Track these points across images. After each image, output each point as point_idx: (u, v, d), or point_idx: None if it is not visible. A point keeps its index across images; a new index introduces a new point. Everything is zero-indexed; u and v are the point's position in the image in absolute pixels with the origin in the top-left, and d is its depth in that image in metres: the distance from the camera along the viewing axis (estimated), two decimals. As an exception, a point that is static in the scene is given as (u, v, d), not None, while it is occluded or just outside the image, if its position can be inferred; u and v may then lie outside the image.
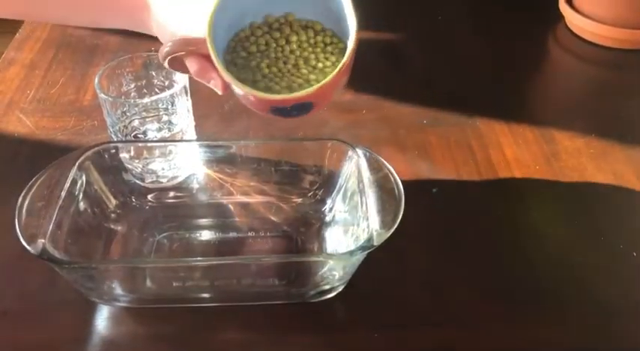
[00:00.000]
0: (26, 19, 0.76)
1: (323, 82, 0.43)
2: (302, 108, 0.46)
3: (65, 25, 0.75)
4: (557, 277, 0.50)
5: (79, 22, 0.58)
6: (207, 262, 0.46)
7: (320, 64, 0.45)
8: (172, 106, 0.54)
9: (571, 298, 0.49)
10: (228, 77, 0.43)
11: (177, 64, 0.46)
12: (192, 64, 0.45)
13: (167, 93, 0.52)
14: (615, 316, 0.47)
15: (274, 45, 0.46)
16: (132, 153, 0.52)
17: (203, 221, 0.54)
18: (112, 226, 0.51)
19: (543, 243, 0.53)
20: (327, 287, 0.46)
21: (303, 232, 0.52)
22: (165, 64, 0.46)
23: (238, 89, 0.43)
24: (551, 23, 0.86)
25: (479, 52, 0.80)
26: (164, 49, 0.44)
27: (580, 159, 0.62)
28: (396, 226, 0.43)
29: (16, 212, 0.43)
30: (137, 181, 0.54)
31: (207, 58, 0.43)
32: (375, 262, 0.46)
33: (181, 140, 0.55)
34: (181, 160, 0.54)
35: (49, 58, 0.74)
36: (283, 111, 0.45)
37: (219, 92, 0.45)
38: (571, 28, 0.84)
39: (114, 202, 0.52)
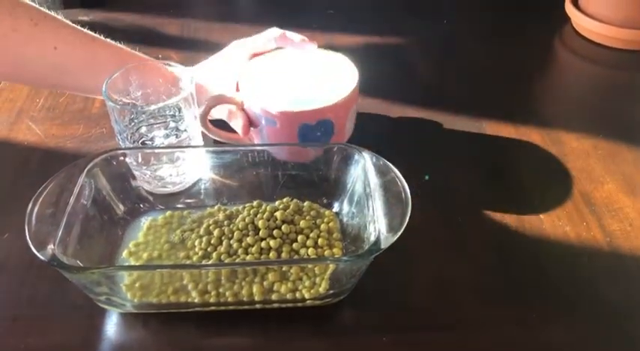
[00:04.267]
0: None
1: (338, 100, 0.54)
2: (325, 126, 0.55)
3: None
4: (565, 279, 0.50)
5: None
6: (214, 267, 0.46)
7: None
8: (179, 112, 0.54)
9: (579, 299, 0.48)
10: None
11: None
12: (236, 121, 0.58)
13: (174, 100, 0.52)
14: (624, 318, 0.47)
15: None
16: (140, 159, 0.52)
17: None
18: (121, 232, 0.51)
19: (551, 245, 0.53)
20: (334, 291, 0.46)
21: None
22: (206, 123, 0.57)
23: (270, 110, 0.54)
24: (557, 25, 0.86)
25: (485, 55, 0.80)
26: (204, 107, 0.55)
27: (588, 160, 0.61)
28: (403, 229, 0.43)
29: (26, 219, 0.43)
30: (145, 188, 0.54)
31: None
32: (382, 265, 0.46)
33: (188, 146, 0.55)
34: (189, 166, 0.55)
35: (57, 66, 0.75)
36: (310, 129, 0.54)
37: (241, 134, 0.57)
38: (577, 30, 0.84)
39: (122, 208, 0.52)
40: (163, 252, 0.49)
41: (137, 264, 0.49)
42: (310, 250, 0.48)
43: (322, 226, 0.50)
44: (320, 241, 0.49)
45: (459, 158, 0.62)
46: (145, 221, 0.52)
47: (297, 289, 0.46)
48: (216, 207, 0.53)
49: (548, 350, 0.45)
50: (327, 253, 0.48)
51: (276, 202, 0.52)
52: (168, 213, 0.53)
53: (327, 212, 0.52)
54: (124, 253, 0.49)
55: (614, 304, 0.48)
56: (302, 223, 0.50)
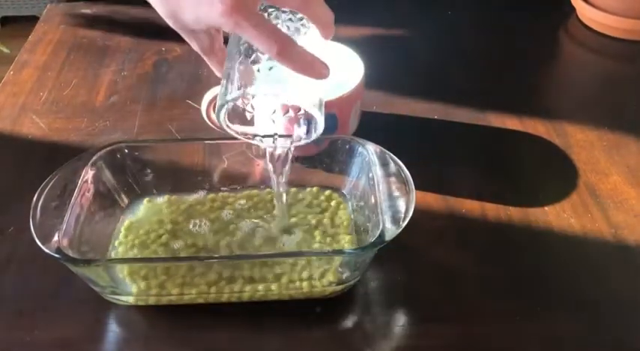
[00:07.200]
0: None
1: (342, 94, 0.53)
2: (328, 120, 0.51)
3: None
4: (571, 272, 0.50)
5: None
6: (219, 259, 0.46)
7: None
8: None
9: (585, 292, 0.48)
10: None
11: None
12: None
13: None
14: (630, 310, 0.47)
15: None
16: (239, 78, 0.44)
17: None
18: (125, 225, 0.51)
19: (556, 237, 0.53)
20: (340, 282, 0.46)
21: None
22: None
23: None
24: (562, 15, 0.85)
25: (489, 45, 0.80)
26: None
27: (593, 152, 0.61)
28: (406, 222, 0.43)
29: (31, 212, 0.43)
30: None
31: None
32: (387, 257, 0.46)
33: (189, 138, 0.55)
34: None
35: (61, 59, 0.75)
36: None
37: None
38: (583, 20, 0.83)
39: (126, 201, 0.52)
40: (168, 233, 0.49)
41: (140, 256, 0.49)
42: (316, 242, 0.48)
43: (327, 218, 0.50)
44: (325, 232, 0.49)
45: (463, 150, 0.62)
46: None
47: (302, 280, 0.46)
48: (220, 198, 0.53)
49: (553, 342, 0.45)
50: (332, 245, 0.48)
51: None
52: (174, 197, 0.53)
53: (332, 204, 0.52)
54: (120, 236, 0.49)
55: (619, 295, 0.48)
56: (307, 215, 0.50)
